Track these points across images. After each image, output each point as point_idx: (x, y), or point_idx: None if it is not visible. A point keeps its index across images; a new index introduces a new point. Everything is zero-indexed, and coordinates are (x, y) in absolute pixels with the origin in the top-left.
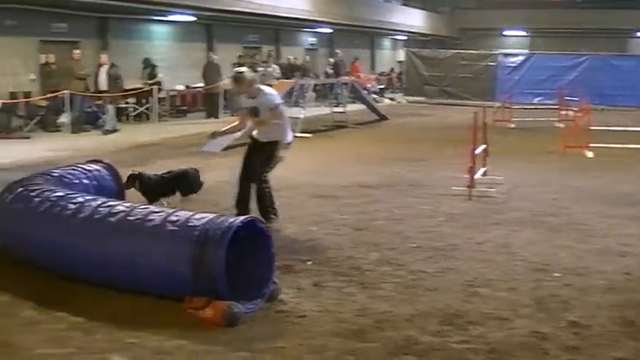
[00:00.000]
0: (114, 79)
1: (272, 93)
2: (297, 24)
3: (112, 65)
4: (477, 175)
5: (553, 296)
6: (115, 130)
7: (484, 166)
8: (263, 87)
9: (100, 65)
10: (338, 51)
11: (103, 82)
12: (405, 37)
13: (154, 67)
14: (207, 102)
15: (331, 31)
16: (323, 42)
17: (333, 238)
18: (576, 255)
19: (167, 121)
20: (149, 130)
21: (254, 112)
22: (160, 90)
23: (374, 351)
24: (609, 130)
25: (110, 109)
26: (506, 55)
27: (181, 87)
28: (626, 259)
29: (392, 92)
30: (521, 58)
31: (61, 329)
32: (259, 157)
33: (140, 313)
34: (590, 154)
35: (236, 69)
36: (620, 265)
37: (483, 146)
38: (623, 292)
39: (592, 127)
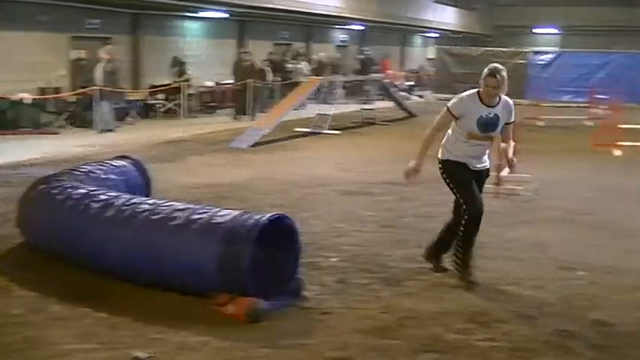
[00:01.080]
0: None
1: (512, 103)
2: (329, 21)
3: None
4: (506, 173)
5: (580, 295)
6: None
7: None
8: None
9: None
10: (365, 48)
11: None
12: (438, 35)
13: (182, 64)
14: (237, 99)
15: (364, 28)
16: (354, 39)
17: (360, 235)
18: (606, 254)
19: (196, 118)
20: (178, 126)
21: (492, 125)
22: (189, 86)
23: (397, 348)
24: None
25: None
26: (537, 52)
27: (211, 83)
28: None
29: (421, 89)
30: (551, 55)
31: (86, 325)
32: (480, 188)
33: (166, 309)
34: (618, 153)
35: (494, 64)
36: None
37: (512, 144)
38: None
39: (621, 126)
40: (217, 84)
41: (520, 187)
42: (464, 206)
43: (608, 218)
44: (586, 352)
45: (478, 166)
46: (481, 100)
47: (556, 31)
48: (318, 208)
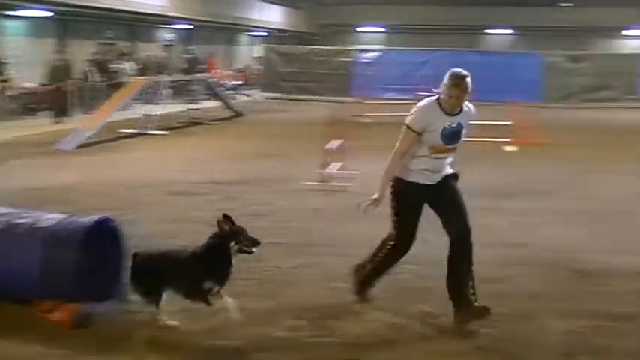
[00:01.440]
0: None
1: (474, 109)
2: (155, 20)
3: None
4: (334, 170)
5: (410, 288)
6: None
7: (341, 161)
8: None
9: None
10: (191, 47)
11: None
12: (266, 34)
13: (1, 64)
14: (56, 101)
15: (192, 27)
16: (181, 38)
17: (188, 236)
18: (434, 247)
19: (17, 120)
20: None
21: (457, 135)
22: (9, 87)
23: (228, 348)
24: None
25: None
26: (361, 51)
27: (33, 84)
28: (480, 249)
29: (248, 88)
30: (375, 54)
31: None
32: (457, 195)
33: None
34: None
35: (456, 70)
36: (475, 255)
37: (339, 141)
38: (478, 282)
39: None
40: (40, 85)
41: (349, 184)
42: (394, 238)
43: (432, 212)
44: (414, 344)
45: (438, 179)
46: (442, 108)
47: (381, 29)
48: (145, 210)
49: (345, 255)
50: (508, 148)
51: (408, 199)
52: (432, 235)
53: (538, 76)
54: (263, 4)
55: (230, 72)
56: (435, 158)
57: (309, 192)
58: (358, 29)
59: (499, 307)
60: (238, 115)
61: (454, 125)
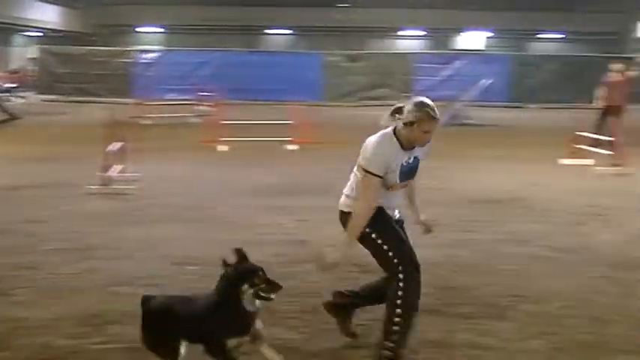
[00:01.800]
0: None
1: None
2: None
3: None
4: (115, 173)
5: (196, 289)
6: None
7: (122, 164)
8: None
9: None
10: None
11: None
12: (41, 34)
13: None
14: None
15: None
16: None
17: None
18: (217, 247)
19: None
20: None
21: (414, 171)
22: None
23: None
24: (242, 124)
25: None
26: (141, 51)
27: None
28: (267, 247)
29: (24, 91)
30: (155, 54)
31: None
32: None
33: None
34: (224, 148)
35: (424, 100)
36: (262, 254)
37: (120, 143)
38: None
39: (226, 122)
40: None
41: (131, 187)
42: (398, 265)
43: (217, 212)
44: None
45: (396, 215)
46: (401, 144)
47: (160, 30)
48: None
49: (128, 258)
50: (290, 147)
51: (379, 217)
52: (215, 235)
53: (318, 76)
54: (37, 3)
55: (4, 74)
56: (390, 195)
57: (91, 196)
58: (137, 29)
59: (290, 304)
60: (14, 118)
61: (411, 161)
